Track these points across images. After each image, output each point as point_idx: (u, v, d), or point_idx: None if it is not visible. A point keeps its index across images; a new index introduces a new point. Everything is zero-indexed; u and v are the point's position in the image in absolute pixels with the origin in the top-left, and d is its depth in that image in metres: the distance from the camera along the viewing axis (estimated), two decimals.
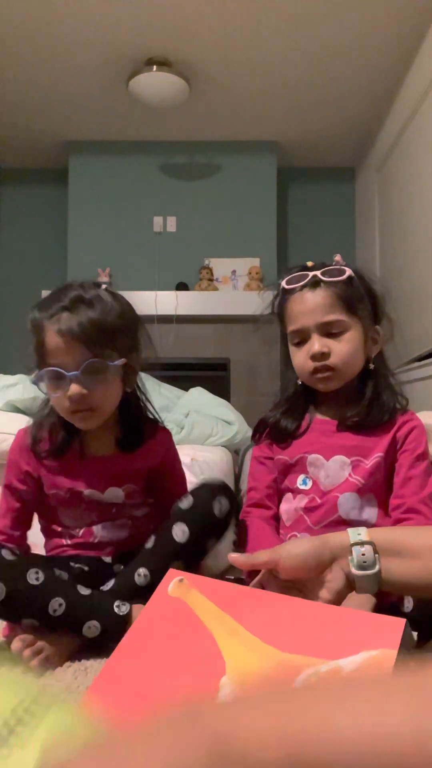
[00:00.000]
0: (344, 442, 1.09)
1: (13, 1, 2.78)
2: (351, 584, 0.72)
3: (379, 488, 1.08)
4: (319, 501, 1.08)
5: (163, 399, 2.19)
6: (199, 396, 2.53)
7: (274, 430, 1.15)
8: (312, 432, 1.12)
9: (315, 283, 1.07)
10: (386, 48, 3.09)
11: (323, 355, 1.05)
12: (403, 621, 0.61)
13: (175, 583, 0.76)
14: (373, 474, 1.07)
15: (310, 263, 1.12)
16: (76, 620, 1.03)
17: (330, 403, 1.13)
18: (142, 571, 1.08)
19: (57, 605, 1.02)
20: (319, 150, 4.22)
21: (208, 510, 1.11)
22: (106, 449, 1.18)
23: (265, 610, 0.69)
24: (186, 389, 2.57)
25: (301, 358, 1.09)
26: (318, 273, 1.06)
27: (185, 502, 1.14)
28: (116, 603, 1.05)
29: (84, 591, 1.07)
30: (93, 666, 0.99)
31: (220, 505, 1.12)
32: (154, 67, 3.20)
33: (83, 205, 4.10)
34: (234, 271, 4.05)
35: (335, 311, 1.06)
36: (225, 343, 3.92)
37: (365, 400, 1.09)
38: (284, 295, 1.11)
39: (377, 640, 0.60)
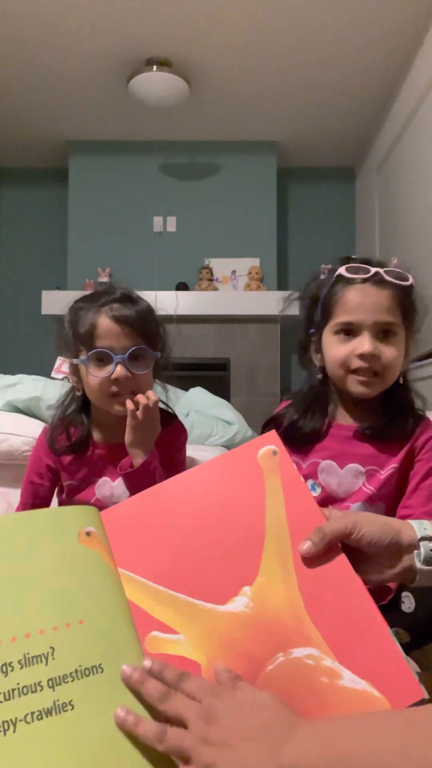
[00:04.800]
0: (360, 451, 1.05)
1: (13, 1, 2.78)
2: (411, 577, 0.71)
3: (389, 498, 1.05)
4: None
5: (161, 398, 2.19)
6: (199, 396, 2.52)
7: (290, 431, 1.07)
8: (329, 437, 1.07)
9: (380, 281, 1.01)
10: (386, 48, 3.10)
11: (373, 357, 0.99)
12: (420, 697, 0.56)
13: (267, 451, 0.67)
14: (386, 484, 1.04)
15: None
16: None
17: (350, 408, 1.08)
18: None
19: None
20: (319, 150, 4.23)
21: None
22: (121, 440, 1.19)
23: (325, 571, 0.61)
24: (186, 389, 2.57)
25: (343, 352, 1.01)
26: (381, 271, 1.01)
27: None
28: None
29: None
30: None
31: None
32: (154, 67, 3.20)
33: (83, 205, 4.10)
34: (234, 271, 4.05)
35: (394, 314, 1.00)
36: (225, 343, 3.92)
37: (390, 412, 1.05)
38: (340, 283, 1.03)
39: (387, 687, 0.56)
